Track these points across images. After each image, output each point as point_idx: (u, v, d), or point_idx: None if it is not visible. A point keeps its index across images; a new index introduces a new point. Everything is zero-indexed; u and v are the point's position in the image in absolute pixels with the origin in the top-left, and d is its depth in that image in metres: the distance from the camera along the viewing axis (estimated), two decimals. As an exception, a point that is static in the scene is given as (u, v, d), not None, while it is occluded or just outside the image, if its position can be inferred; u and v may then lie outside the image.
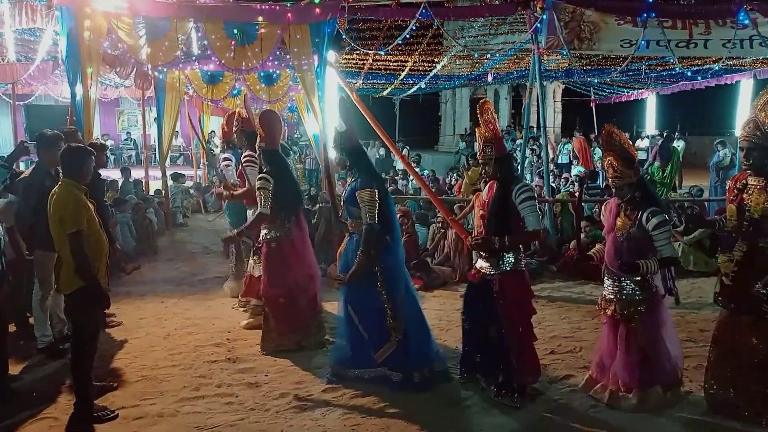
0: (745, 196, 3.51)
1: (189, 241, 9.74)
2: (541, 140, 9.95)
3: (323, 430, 3.71)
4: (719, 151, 13.75)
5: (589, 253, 4.02)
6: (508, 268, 3.95)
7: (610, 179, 3.86)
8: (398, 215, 7.60)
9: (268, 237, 4.94)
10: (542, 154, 10.39)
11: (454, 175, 14.30)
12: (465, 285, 7.00)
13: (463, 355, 4.34)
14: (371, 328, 4.25)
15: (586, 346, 5.00)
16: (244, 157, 5.70)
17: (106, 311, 5.58)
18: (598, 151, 16.24)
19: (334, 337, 4.84)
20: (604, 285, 4.01)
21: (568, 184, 12.37)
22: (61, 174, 4.63)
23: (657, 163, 12.66)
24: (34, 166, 5.02)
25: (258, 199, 4.80)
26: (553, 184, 9.76)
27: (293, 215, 4.99)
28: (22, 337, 5.20)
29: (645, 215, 3.69)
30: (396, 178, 14.35)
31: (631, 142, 3.95)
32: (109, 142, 19.82)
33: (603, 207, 4.29)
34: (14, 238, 5.06)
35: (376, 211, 4.13)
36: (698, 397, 3.95)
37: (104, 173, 5.57)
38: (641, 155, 15.08)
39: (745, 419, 3.60)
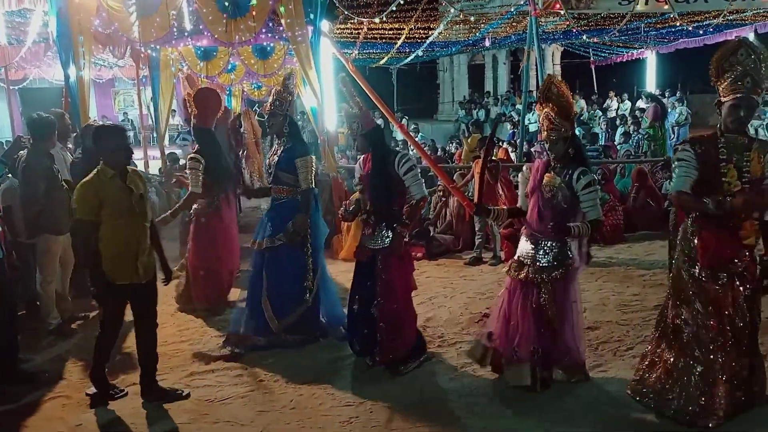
0: (738, 155, 3.15)
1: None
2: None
3: (333, 397, 3.77)
4: (676, 107, 13.67)
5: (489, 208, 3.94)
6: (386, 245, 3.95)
7: (544, 133, 3.60)
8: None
9: (198, 211, 5.20)
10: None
11: (455, 143, 14.23)
12: (468, 252, 7.10)
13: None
14: (284, 292, 4.43)
15: (589, 307, 5.04)
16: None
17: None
18: (599, 113, 16.13)
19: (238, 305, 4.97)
20: (520, 248, 3.78)
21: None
22: (58, 152, 4.61)
23: (656, 123, 12.71)
24: (28, 149, 5.00)
25: (189, 178, 5.01)
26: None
27: (222, 192, 5.21)
28: (33, 320, 5.26)
29: (576, 174, 3.50)
30: (396, 148, 14.25)
31: (571, 94, 3.70)
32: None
33: (526, 168, 4.16)
34: (10, 221, 5.09)
35: (312, 176, 4.42)
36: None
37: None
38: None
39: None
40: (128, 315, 5.33)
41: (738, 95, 3.07)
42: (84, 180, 3.57)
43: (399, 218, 3.97)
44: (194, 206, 5.21)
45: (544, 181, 3.63)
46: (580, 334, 3.81)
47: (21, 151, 5.21)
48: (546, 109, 3.56)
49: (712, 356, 3.20)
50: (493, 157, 7.15)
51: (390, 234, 3.94)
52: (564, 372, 3.79)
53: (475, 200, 3.83)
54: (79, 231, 3.50)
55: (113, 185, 3.57)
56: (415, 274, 4.20)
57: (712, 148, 3.18)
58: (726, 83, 3.10)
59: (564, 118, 3.53)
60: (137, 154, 12.78)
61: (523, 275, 3.63)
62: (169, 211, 5.22)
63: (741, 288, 3.21)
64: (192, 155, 5.06)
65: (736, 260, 3.20)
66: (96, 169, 3.60)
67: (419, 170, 3.97)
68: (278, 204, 4.51)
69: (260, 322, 4.45)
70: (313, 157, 4.46)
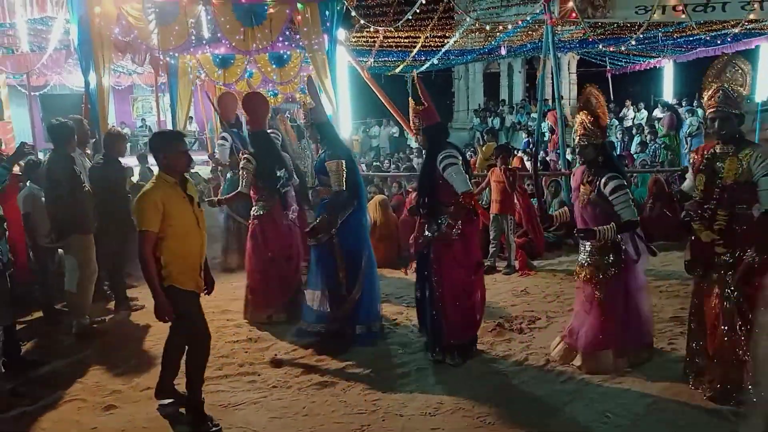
0: (717, 164, 3.44)
1: (209, 225, 9.83)
2: (557, 113, 9.81)
3: (345, 405, 3.77)
4: (687, 119, 13.63)
5: (551, 214, 4.36)
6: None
7: (577, 138, 3.92)
8: (413, 191, 7.62)
9: (255, 214, 5.25)
10: (558, 127, 10.26)
11: (469, 151, 14.21)
12: (483, 257, 7.05)
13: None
14: (329, 285, 4.64)
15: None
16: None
17: (128, 295, 5.69)
18: (615, 122, 16.03)
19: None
20: (579, 251, 4.12)
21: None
22: (77, 158, 4.66)
23: (671, 132, 12.68)
24: (49, 154, 5.10)
25: (240, 178, 5.13)
26: (569, 157, 9.62)
27: (277, 195, 5.21)
28: (50, 323, 5.32)
29: (603, 180, 3.77)
30: (411, 156, 14.31)
31: (606, 107, 4.01)
32: (125, 130, 19.95)
33: (572, 175, 4.42)
34: (30, 227, 5.20)
35: (343, 179, 4.48)
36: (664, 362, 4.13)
37: (122, 161, 5.63)
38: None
39: (713, 395, 3.52)
40: (144, 316, 5.43)
41: (712, 109, 3.42)
42: (145, 189, 3.38)
43: (447, 211, 4.14)
44: (252, 209, 5.27)
45: (580, 191, 3.96)
46: (648, 315, 4.11)
47: (28, 158, 5.34)
48: (581, 116, 3.89)
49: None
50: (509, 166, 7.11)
51: (437, 226, 4.14)
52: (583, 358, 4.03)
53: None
54: (140, 242, 3.28)
55: (175, 194, 3.41)
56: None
57: (701, 157, 3.56)
58: (705, 99, 3.48)
59: (597, 127, 3.85)
60: (152, 160, 13.02)
61: (583, 276, 4.01)
62: (217, 198, 5.41)
63: (720, 287, 3.46)
64: (245, 156, 5.13)
65: (711, 259, 3.48)
66: (154, 178, 3.45)
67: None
68: (322, 204, 4.75)
69: (316, 311, 4.70)
70: (343, 161, 4.50)
